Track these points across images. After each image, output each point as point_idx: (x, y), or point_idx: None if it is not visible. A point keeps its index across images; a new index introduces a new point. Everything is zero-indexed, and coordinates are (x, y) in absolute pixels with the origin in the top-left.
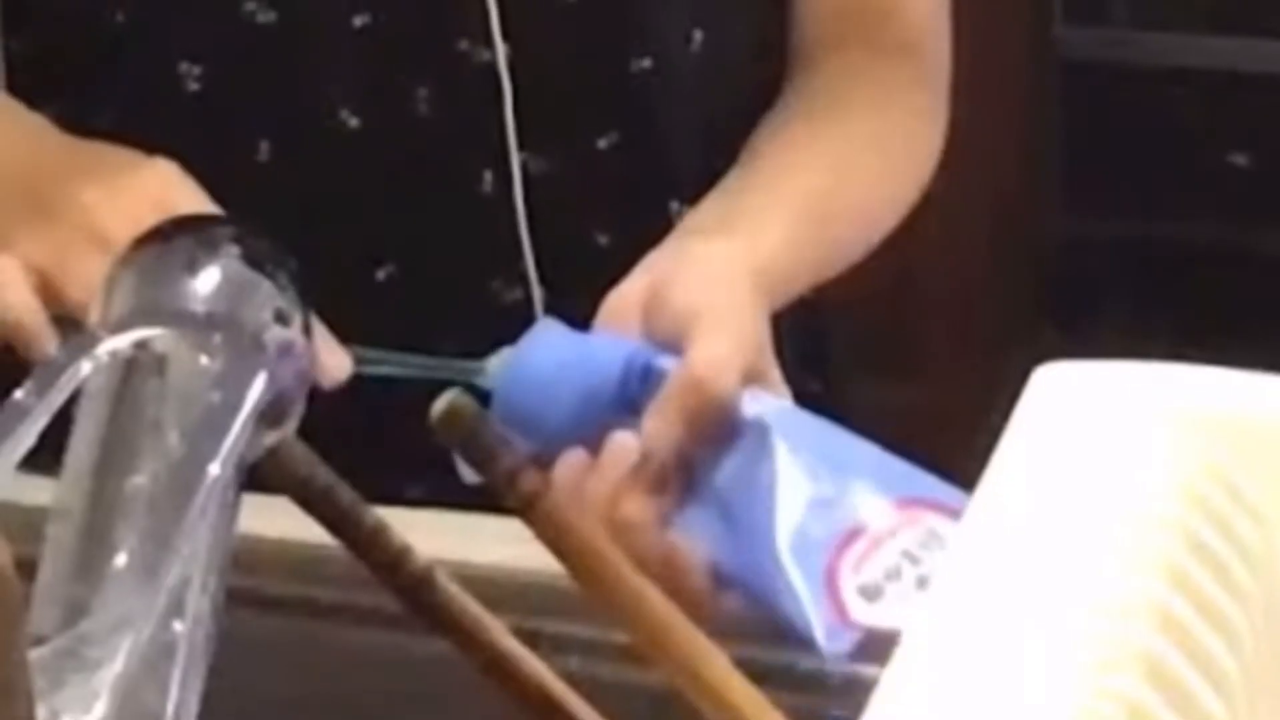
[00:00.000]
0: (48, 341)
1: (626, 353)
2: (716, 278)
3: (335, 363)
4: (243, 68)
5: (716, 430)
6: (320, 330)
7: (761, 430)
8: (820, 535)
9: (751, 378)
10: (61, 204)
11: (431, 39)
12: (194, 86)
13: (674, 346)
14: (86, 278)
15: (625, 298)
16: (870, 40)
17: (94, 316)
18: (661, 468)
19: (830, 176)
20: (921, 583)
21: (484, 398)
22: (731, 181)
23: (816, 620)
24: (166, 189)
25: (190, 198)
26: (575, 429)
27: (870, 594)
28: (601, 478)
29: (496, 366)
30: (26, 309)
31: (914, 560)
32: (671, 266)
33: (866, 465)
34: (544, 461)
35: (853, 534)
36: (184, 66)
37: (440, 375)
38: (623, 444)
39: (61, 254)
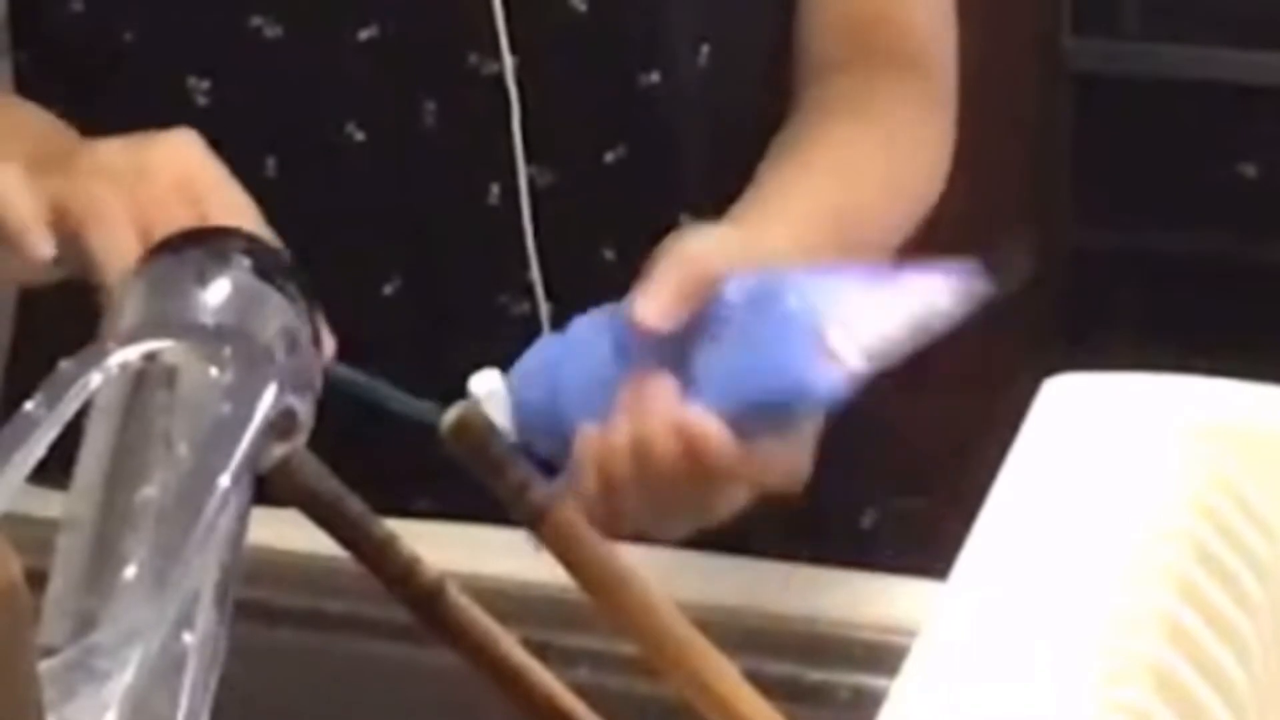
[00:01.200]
0: (43, 242)
1: (608, 317)
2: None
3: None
4: (250, 81)
5: (704, 307)
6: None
7: (739, 298)
8: (807, 326)
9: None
10: (83, 156)
11: (439, 52)
12: (202, 100)
13: None
14: (96, 197)
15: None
16: (880, 57)
17: (104, 327)
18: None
19: (845, 194)
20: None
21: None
22: (744, 206)
23: (808, 372)
24: (187, 153)
25: (207, 162)
26: (587, 409)
27: (868, 350)
28: (618, 414)
29: (485, 390)
30: (24, 207)
31: (910, 321)
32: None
33: (834, 277)
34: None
35: (831, 318)
36: (192, 81)
37: (395, 409)
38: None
39: (74, 187)
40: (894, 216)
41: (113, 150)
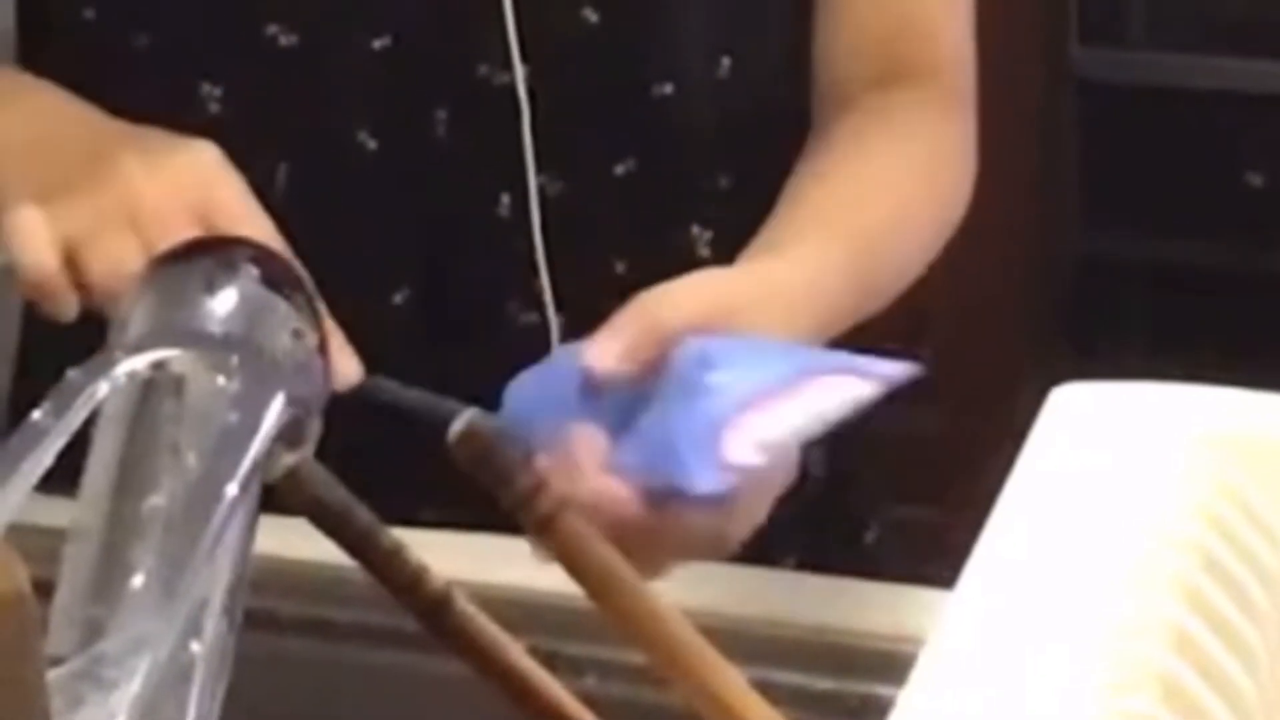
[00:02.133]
0: (69, 305)
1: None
2: (715, 287)
3: (347, 368)
4: (263, 90)
5: (655, 361)
6: (334, 332)
7: (681, 357)
8: (715, 414)
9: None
10: (104, 174)
11: (451, 62)
12: (214, 108)
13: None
14: (111, 253)
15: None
16: (903, 69)
17: (111, 335)
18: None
19: (867, 220)
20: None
21: None
22: (773, 229)
23: (695, 465)
24: (206, 171)
25: (229, 185)
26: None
27: (765, 448)
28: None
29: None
30: (44, 265)
31: (821, 419)
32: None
33: (775, 358)
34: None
35: (745, 407)
36: (205, 88)
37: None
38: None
39: (92, 226)
40: (921, 233)
41: (132, 167)
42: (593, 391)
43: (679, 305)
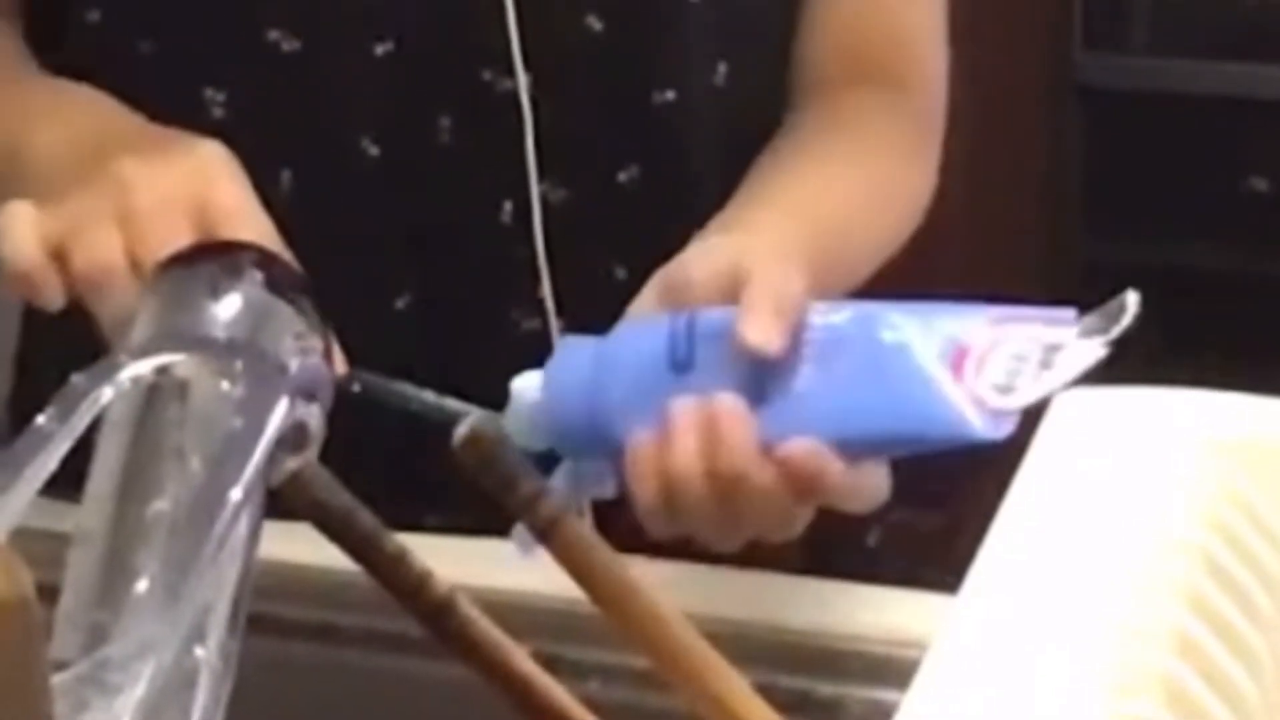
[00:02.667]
0: (53, 293)
1: (666, 321)
2: (733, 245)
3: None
4: (266, 95)
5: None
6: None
7: (844, 323)
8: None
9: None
10: (100, 174)
11: (454, 68)
12: (217, 113)
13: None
14: (95, 250)
15: (643, 305)
16: (876, 76)
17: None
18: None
19: (828, 207)
20: (1046, 365)
21: None
22: (734, 210)
23: (976, 418)
24: (205, 170)
25: (228, 186)
26: (634, 418)
27: (1002, 390)
28: (685, 435)
29: (523, 390)
30: (29, 257)
31: (1024, 358)
32: (680, 261)
33: (951, 310)
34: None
35: (960, 354)
36: (208, 93)
37: (424, 411)
38: (684, 401)
39: (79, 222)
40: (878, 231)
41: (128, 168)
42: (688, 364)
43: (792, 274)
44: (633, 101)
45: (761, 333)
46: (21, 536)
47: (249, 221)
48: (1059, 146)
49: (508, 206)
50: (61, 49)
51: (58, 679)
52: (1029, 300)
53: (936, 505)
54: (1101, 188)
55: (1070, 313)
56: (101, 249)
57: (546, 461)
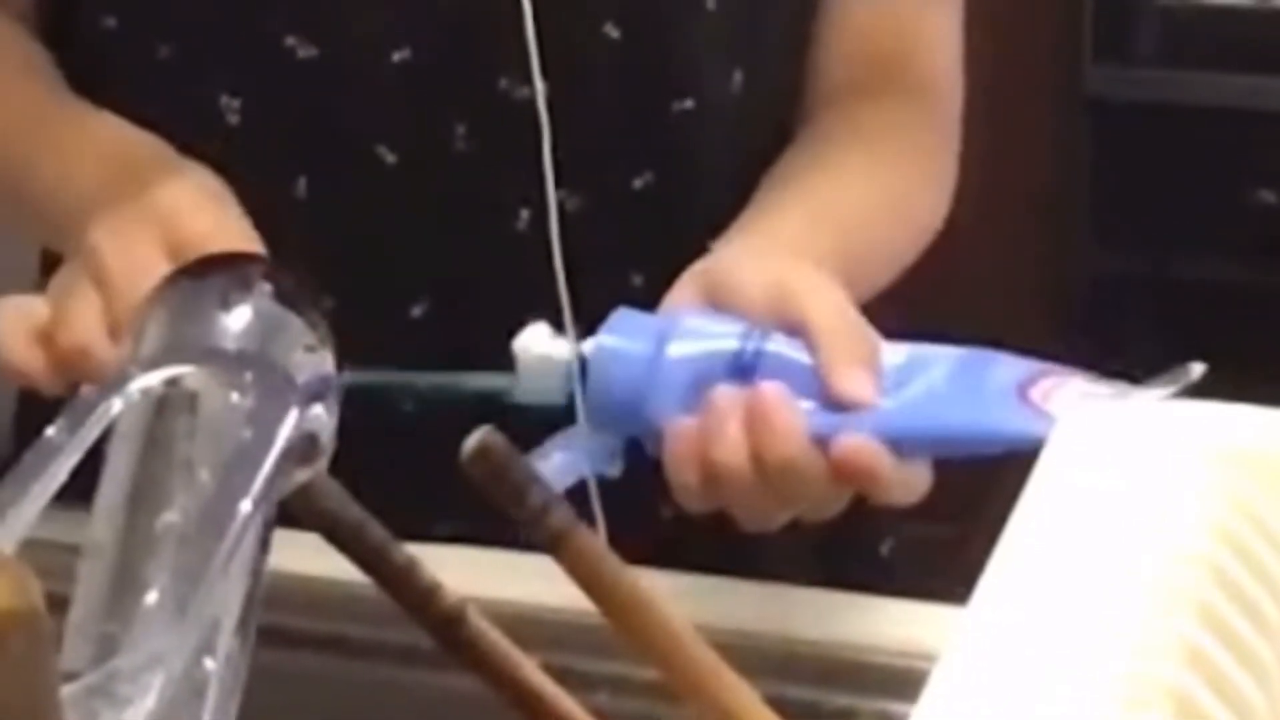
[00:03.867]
0: (46, 380)
1: (735, 328)
2: (780, 261)
3: None
4: (282, 102)
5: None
6: None
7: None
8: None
9: None
10: (78, 245)
11: (471, 75)
12: (234, 120)
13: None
14: (74, 330)
15: (681, 298)
16: (893, 86)
17: (124, 352)
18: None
19: (857, 217)
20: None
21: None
22: (756, 217)
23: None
24: (175, 205)
25: (195, 218)
26: (681, 406)
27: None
28: (730, 421)
29: (532, 343)
30: (16, 352)
31: (1092, 397)
32: (723, 264)
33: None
34: (646, 441)
35: (1026, 384)
36: (224, 100)
37: (467, 393)
38: (728, 389)
39: (61, 302)
40: (896, 243)
41: (98, 227)
42: (751, 372)
43: (749, 289)
44: (650, 109)
45: (859, 388)
46: (31, 548)
47: (223, 246)
48: (1067, 158)
49: (524, 214)
50: (74, 53)
51: (67, 690)
52: (1035, 313)
53: (948, 517)
54: (1110, 199)
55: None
56: (79, 328)
57: (549, 421)
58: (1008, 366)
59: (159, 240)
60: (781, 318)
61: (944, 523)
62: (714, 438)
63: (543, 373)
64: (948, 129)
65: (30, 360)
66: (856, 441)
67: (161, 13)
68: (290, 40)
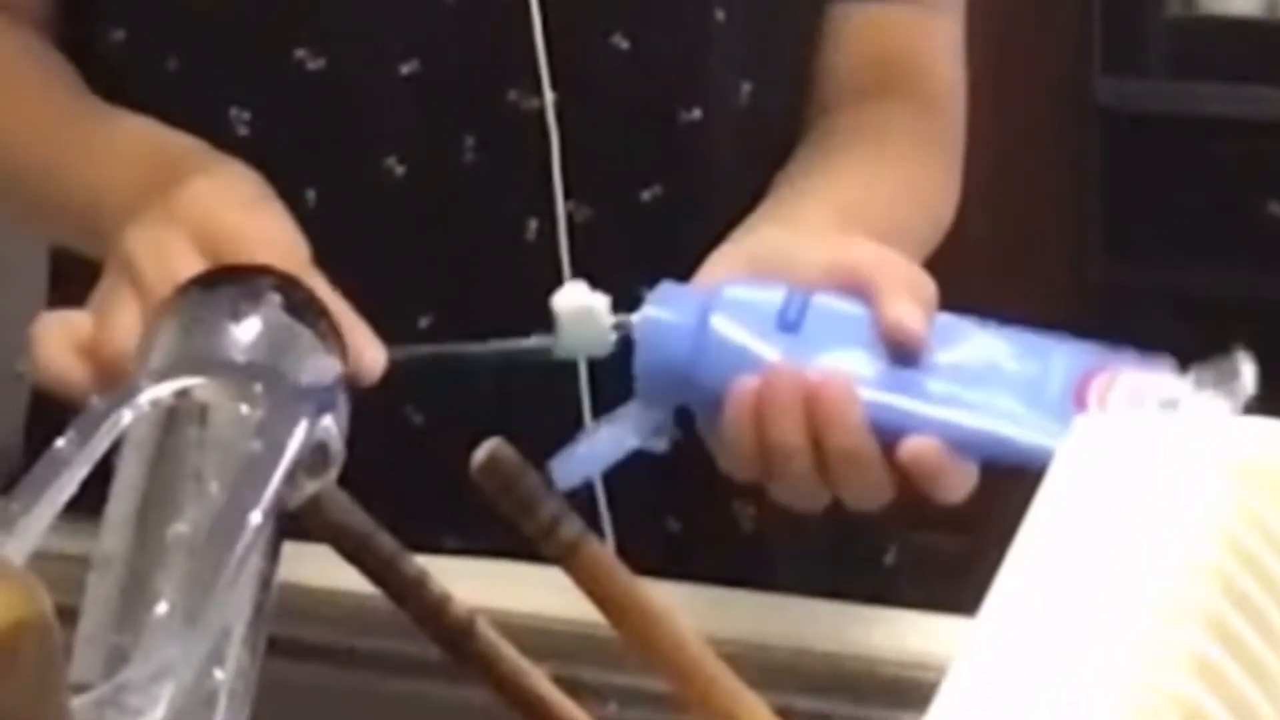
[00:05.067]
0: (88, 390)
1: (781, 285)
2: (840, 238)
3: (371, 357)
4: (291, 114)
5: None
6: (357, 323)
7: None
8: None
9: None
10: (112, 250)
11: (480, 87)
12: (243, 131)
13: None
14: (114, 341)
15: (729, 270)
16: (894, 93)
17: (135, 365)
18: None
19: (877, 206)
20: (1169, 405)
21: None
22: (776, 207)
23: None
24: (203, 204)
25: (228, 217)
26: (733, 370)
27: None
28: (791, 409)
29: (570, 300)
30: (58, 364)
31: (1142, 400)
32: (764, 240)
33: (1057, 345)
34: (693, 411)
35: (1083, 384)
36: (233, 112)
37: (508, 354)
38: (788, 371)
39: (101, 314)
40: (913, 233)
41: (133, 241)
42: (790, 326)
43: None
44: (659, 120)
45: (909, 317)
46: (41, 559)
47: (259, 246)
48: (1078, 169)
49: (533, 225)
50: (85, 65)
51: (77, 702)
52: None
53: (952, 526)
54: (1120, 211)
55: (1166, 363)
56: (120, 337)
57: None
58: (1063, 359)
59: (191, 240)
60: (847, 283)
61: (947, 532)
62: (773, 420)
63: (582, 326)
64: (950, 139)
65: (73, 372)
66: (923, 444)
67: (171, 24)
68: (300, 52)
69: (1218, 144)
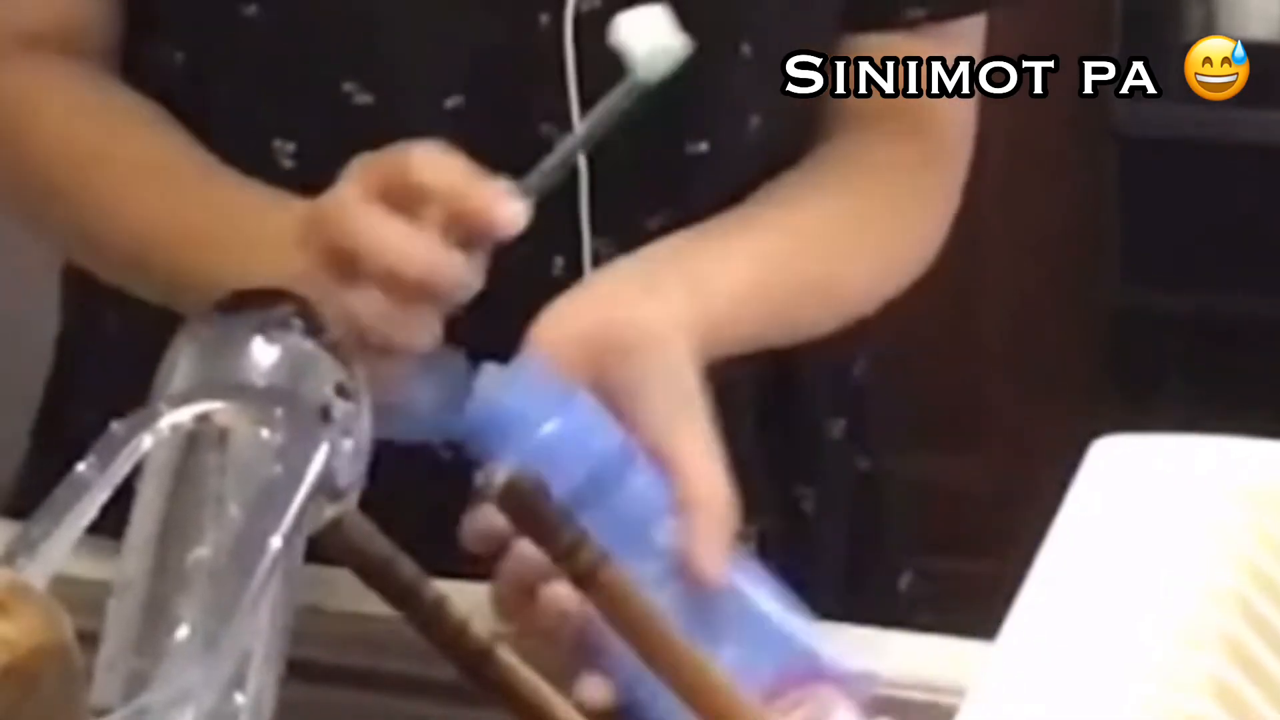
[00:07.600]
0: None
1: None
2: (670, 369)
3: (512, 209)
4: (335, 147)
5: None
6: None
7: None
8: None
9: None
10: (327, 302)
11: (516, 122)
12: (288, 164)
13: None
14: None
15: (565, 334)
16: (898, 122)
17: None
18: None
19: (794, 242)
20: None
21: None
22: (695, 232)
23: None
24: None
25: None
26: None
27: None
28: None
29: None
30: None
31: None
32: (619, 331)
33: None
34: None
35: (790, 677)
36: (278, 144)
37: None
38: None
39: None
40: (855, 281)
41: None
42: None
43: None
44: (668, 153)
45: (715, 568)
46: (62, 583)
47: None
48: (1095, 194)
49: (559, 262)
50: (138, 88)
51: None
52: (1064, 348)
53: (967, 551)
54: (1138, 235)
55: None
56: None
57: None
58: (786, 648)
59: (330, 250)
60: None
61: (963, 557)
62: (538, 618)
63: (650, 38)
64: (950, 171)
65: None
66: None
67: (228, 52)
68: (348, 86)
69: (1235, 168)
